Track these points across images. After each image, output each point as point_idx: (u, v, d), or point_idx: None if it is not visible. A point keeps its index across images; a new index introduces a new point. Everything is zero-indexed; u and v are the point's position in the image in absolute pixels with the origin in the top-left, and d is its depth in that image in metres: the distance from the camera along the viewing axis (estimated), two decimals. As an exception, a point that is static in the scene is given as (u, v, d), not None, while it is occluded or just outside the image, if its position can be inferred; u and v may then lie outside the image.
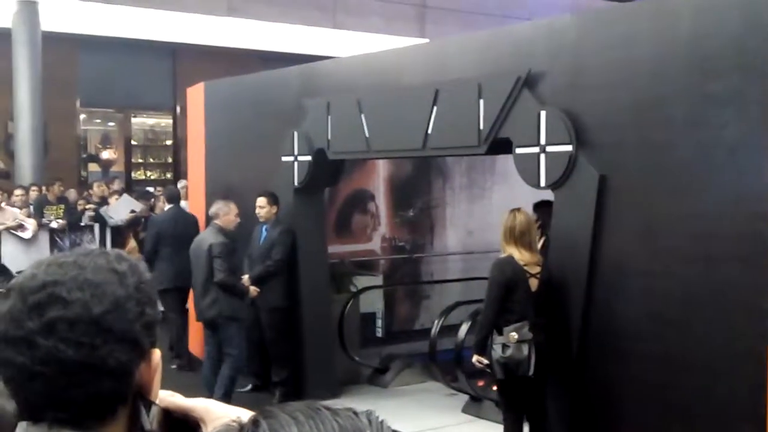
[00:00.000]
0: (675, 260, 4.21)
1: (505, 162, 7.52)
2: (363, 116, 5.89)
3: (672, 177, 4.24)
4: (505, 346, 4.36)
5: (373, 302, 7.77)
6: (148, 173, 15.09)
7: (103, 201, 10.32)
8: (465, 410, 6.10)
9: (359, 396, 6.69)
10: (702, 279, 4.09)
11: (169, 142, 15.00)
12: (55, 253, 7.64)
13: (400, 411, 6.36)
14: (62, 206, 9.66)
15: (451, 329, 6.46)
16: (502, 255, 4.58)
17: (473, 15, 13.55)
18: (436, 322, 6.53)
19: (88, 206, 9.93)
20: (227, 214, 6.23)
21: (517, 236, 4.49)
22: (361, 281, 7.63)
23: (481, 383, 5.96)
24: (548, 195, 5.00)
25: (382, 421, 0.83)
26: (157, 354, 1.01)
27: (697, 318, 4.12)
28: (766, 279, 3.82)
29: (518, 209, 4.66)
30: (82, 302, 0.94)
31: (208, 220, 7.78)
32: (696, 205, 4.13)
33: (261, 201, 6.45)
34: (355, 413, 0.83)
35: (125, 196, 10.03)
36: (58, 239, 9.21)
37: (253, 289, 6.35)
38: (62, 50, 12.36)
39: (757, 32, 3.88)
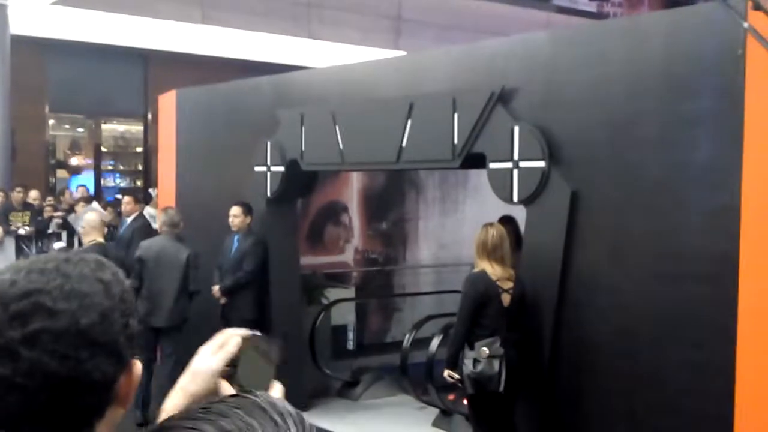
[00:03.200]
0: (645, 277, 4.24)
1: (477, 176, 7.55)
2: (337, 128, 5.87)
3: (643, 195, 4.28)
4: (476, 361, 4.35)
5: (344, 315, 7.73)
6: (118, 180, 14.91)
7: (72, 209, 10.16)
8: (435, 424, 6.08)
9: (329, 409, 6.64)
10: (671, 296, 4.13)
11: (139, 149, 14.83)
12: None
13: (370, 424, 6.33)
14: (28, 213, 9.49)
15: (422, 342, 6.45)
16: (475, 269, 4.57)
17: (448, 29, 13.63)
18: (407, 335, 6.51)
19: (56, 213, 9.77)
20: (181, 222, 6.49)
21: (490, 251, 4.49)
22: (333, 293, 7.59)
23: (451, 397, 5.94)
24: (512, 210, 5.01)
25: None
26: (137, 366, 0.98)
27: (666, 335, 4.15)
28: (734, 297, 3.86)
29: (492, 224, 4.67)
30: (70, 313, 0.89)
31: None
32: (667, 223, 4.17)
33: (235, 210, 6.40)
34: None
35: (94, 204, 9.88)
36: (24, 246, 9.03)
37: (223, 299, 6.31)
38: (31, 55, 12.17)
39: (728, 53, 3.93)
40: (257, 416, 0.77)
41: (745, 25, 3.54)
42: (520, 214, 4.92)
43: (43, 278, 0.91)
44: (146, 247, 6.33)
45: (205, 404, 0.79)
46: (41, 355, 0.87)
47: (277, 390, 1.07)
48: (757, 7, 2.53)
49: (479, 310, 4.43)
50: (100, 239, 6.18)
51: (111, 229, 8.99)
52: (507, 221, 5.60)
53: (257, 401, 0.79)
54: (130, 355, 0.96)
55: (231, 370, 1.07)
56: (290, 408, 0.79)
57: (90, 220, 6.38)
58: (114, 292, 0.94)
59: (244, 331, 1.12)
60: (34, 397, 0.88)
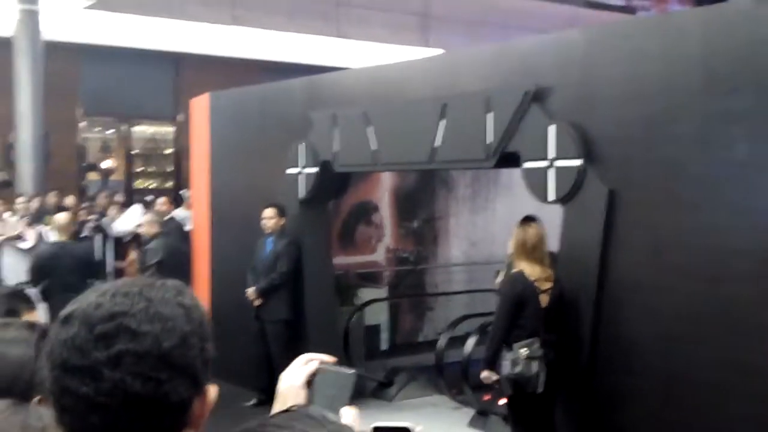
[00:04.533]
0: (683, 276, 4.19)
1: (508, 173, 7.51)
2: (370, 129, 5.88)
3: (681, 193, 4.23)
4: (514, 363, 4.33)
5: (377, 314, 7.75)
6: (149, 182, 15.07)
7: (105, 212, 10.29)
8: (471, 424, 6.07)
9: (364, 410, 6.57)
10: (710, 296, 4.08)
11: (169, 151, 14.98)
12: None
13: (405, 425, 6.33)
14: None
15: (455, 341, 6.45)
16: (513, 270, 4.56)
17: (476, 25, 13.58)
18: (443, 335, 6.51)
19: (89, 217, 9.89)
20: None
21: (529, 250, 4.47)
22: (366, 293, 7.61)
23: (487, 397, 5.93)
24: (547, 209, 4.95)
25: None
26: (212, 390, 1.00)
27: (705, 335, 4.10)
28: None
29: (530, 222, 4.62)
30: (153, 336, 0.92)
31: (212, 228, 7.80)
32: (705, 222, 4.12)
33: (268, 212, 6.44)
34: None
35: (135, 207, 9.95)
36: (59, 250, 9.15)
37: (258, 300, 6.36)
38: (64, 59, 12.35)
39: (766, 47, 3.87)
40: (309, 425, 0.84)
41: None
42: (554, 213, 4.89)
43: (128, 301, 0.94)
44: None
45: (262, 420, 0.82)
46: (124, 375, 0.90)
47: (348, 414, 1.08)
48: None
49: (517, 311, 4.41)
50: (65, 238, 6.93)
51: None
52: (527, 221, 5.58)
53: (309, 413, 0.86)
54: (205, 379, 0.98)
55: (308, 393, 1.09)
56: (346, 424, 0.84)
57: (57, 220, 7.04)
58: (194, 316, 0.97)
59: (324, 357, 1.14)
60: (115, 417, 0.90)
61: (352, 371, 1.11)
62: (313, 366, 1.12)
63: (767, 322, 3.81)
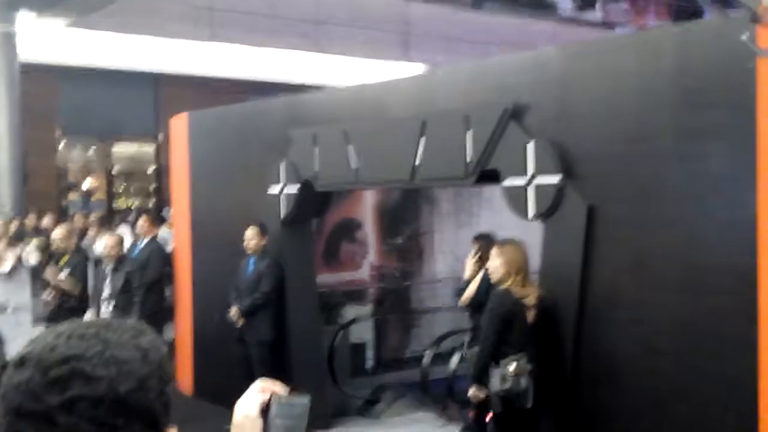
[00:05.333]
0: (664, 291, 4.22)
1: (492, 188, 7.54)
2: (350, 147, 5.89)
3: (660, 208, 4.27)
4: (503, 379, 4.34)
5: (362, 332, 7.72)
6: (130, 201, 14.98)
7: (84, 232, 10.19)
8: (457, 441, 6.05)
9: (351, 428, 6.63)
10: (691, 309, 4.11)
11: (151, 170, 14.92)
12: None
13: (391, 443, 6.31)
14: (42, 238, 9.52)
15: (442, 357, 6.44)
16: (500, 287, 4.57)
17: (456, 41, 13.67)
18: (427, 352, 6.50)
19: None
20: None
21: (518, 268, 4.50)
22: (350, 311, 7.59)
23: (473, 413, 5.91)
24: (529, 226, 4.98)
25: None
26: None
27: (687, 348, 4.13)
28: (754, 309, 3.84)
29: (512, 240, 4.67)
30: (108, 380, 0.91)
31: (193, 248, 7.75)
32: (684, 236, 4.16)
33: (250, 233, 6.42)
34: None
35: (122, 228, 9.84)
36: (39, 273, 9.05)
37: (240, 320, 6.33)
38: (42, 80, 12.29)
39: (741, 65, 3.93)
40: None
41: (744, 37, 3.53)
42: (535, 228, 4.91)
43: (83, 344, 0.93)
44: None
45: None
46: (79, 421, 0.89)
47: None
48: (755, 20, 2.54)
49: (505, 327, 4.43)
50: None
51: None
52: (484, 238, 5.77)
53: None
54: (166, 422, 0.96)
55: (264, 424, 1.09)
56: None
57: (55, 237, 7.20)
58: (151, 358, 0.95)
59: (277, 386, 1.13)
60: None
61: (306, 399, 1.10)
62: (265, 396, 1.11)
63: (749, 334, 3.84)
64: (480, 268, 5.48)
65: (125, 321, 1.00)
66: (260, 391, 1.12)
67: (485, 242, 5.63)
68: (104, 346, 0.93)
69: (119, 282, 6.76)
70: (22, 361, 0.93)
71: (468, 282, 5.59)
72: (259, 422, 1.09)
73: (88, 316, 6.48)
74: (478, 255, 5.61)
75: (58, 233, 7.93)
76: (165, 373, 0.97)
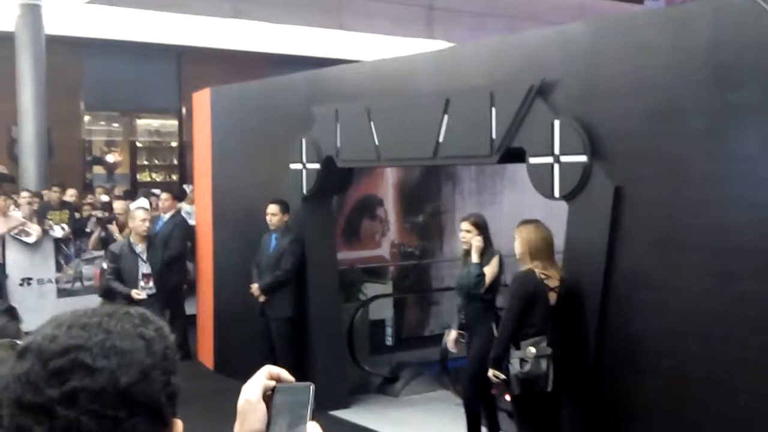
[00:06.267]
0: (691, 274, 4.13)
1: (514, 167, 7.44)
2: (372, 123, 5.82)
3: (689, 189, 4.16)
4: (523, 361, 4.29)
5: (382, 309, 7.71)
6: (154, 175, 15.06)
7: (107, 205, 10.26)
8: (476, 420, 6.02)
9: (369, 405, 6.64)
10: (718, 293, 4.02)
11: (174, 144, 14.97)
12: (61, 261, 7.20)
13: (410, 421, 6.31)
14: (66, 212, 9.59)
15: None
16: (522, 268, 4.50)
17: (481, 16, 13.47)
18: (447, 330, 6.45)
19: (93, 212, 9.86)
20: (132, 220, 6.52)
21: (540, 249, 4.43)
22: (370, 288, 7.57)
23: (494, 392, 5.88)
24: (553, 206, 4.89)
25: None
26: (178, 425, 0.95)
27: (713, 332, 4.04)
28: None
29: (536, 221, 4.59)
30: (109, 371, 0.87)
31: (215, 223, 7.76)
32: (713, 218, 4.05)
33: (273, 209, 6.40)
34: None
35: (142, 200, 9.87)
36: (63, 246, 9.15)
37: (262, 297, 6.34)
38: (66, 53, 12.32)
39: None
40: None
41: (762, 2, 3.39)
42: (560, 207, 4.83)
43: (85, 334, 0.90)
44: None
45: None
46: (79, 414, 0.86)
47: (312, 430, 1.04)
48: None
49: (527, 310, 4.37)
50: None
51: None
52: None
53: None
54: (171, 414, 0.93)
55: (268, 411, 1.05)
56: None
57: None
58: (156, 349, 0.92)
59: (283, 374, 1.09)
60: None
61: (309, 384, 1.07)
62: (269, 383, 1.07)
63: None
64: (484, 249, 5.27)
65: (130, 309, 0.96)
66: (266, 377, 1.08)
67: (475, 223, 5.36)
68: (106, 335, 0.90)
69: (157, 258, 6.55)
70: (23, 352, 0.90)
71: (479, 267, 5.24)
72: (260, 407, 1.05)
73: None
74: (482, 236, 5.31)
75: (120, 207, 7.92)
76: (170, 363, 0.93)
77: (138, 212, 6.62)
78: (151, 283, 6.36)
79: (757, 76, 3.89)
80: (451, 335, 5.62)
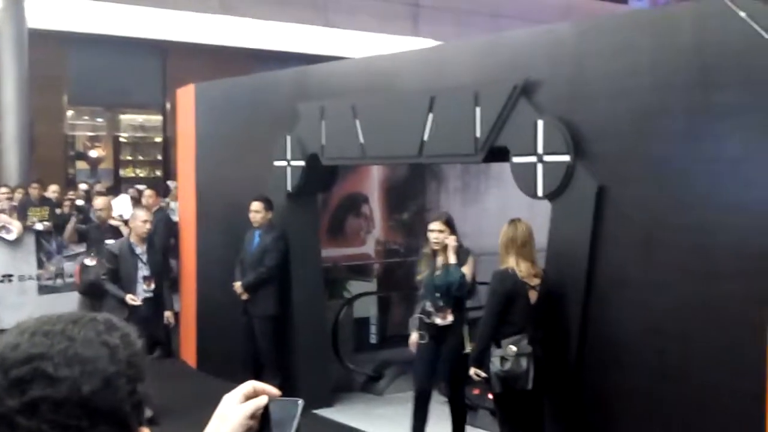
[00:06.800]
0: (674, 273, 4.16)
1: (499, 165, 7.45)
2: (357, 121, 5.81)
3: (672, 189, 4.19)
4: (503, 360, 4.30)
5: (366, 307, 7.70)
6: (137, 171, 14.95)
7: (89, 201, 10.16)
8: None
9: (353, 404, 6.63)
10: (700, 292, 4.05)
11: (158, 140, 14.86)
12: (42, 257, 7.00)
13: (395, 419, 6.31)
14: (46, 208, 9.49)
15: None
16: (502, 266, 4.51)
17: (466, 14, 13.48)
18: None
19: (73, 199, 9.76)
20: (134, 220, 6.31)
21: (519, 247, 4.43)
22: (355, 286, 7.56)
23: (476, 392, 5.90)
24: (536, 205, 4.91)
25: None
26: None
27: (695, 331, 4.08)
28: (764, 293, 3.77)
29: (518, 220, 4.60)
30: (71, 380, 0.86)
31: (198, 220, 7.72)
32: (696, 218, 4.08)
33: (256, 206, 6.37)
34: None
35: (123, 196, 9.81)
36: (44, 241, 9.06)
37: (245, 295, 6.31)
38: (50, 47, 12.19)
39: (759, 42, 3.82)
40: None
41: (742, 14, 3.42)
42: (543, 206, 4.84)
43: (47, 342, 0.88)
44: None
45: None
46: (40, 424, 0.84)
47: None
48: None
49: (507, 308, 4.38)
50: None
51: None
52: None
53: None
54: (137, 423, 0.92)
55: (254, 426, 1.04)
56: None
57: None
58: (120, 356, 0.90)
59: (271, 390, 1.08)
60: None
61: (299, 400, 1.07)
62: (261, 400, 1.06)
63: (756, 318, 3.78)
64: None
65: (97, 315, 0.95)
66: (252, 391, 1.07)
67: (447, 222, 5.22)
68: (69, 343, 0.88)
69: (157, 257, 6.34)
70: None
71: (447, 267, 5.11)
72: (238, 419, 1.04)
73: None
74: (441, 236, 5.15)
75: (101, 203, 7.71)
76: (136, 371, 0.92)
77: (139, 213, 6.40)
78: (152, 286, 6.14)
79: (740, 78, 3.92)
80: (413, 338, 5.40)
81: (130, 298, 6.00)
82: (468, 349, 5.01)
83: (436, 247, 5.18)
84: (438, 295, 5.13)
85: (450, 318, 5.17)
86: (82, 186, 11.11)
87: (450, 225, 5.22)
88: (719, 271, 3.97)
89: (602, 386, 4.45)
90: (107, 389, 0.87)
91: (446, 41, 9.91)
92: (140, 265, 6.16)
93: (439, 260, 5.17)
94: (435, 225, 5.22)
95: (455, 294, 5.11)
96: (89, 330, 0.91)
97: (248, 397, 1.07)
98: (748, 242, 3.86)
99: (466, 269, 5.12)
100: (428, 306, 5.20)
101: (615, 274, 4.40)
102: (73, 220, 8.27)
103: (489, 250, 6.56)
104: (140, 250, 6.19)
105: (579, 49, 4.63)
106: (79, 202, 9.54)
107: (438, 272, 5.16)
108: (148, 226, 6.25)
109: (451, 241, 5.12)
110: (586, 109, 4.54)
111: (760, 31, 2.35)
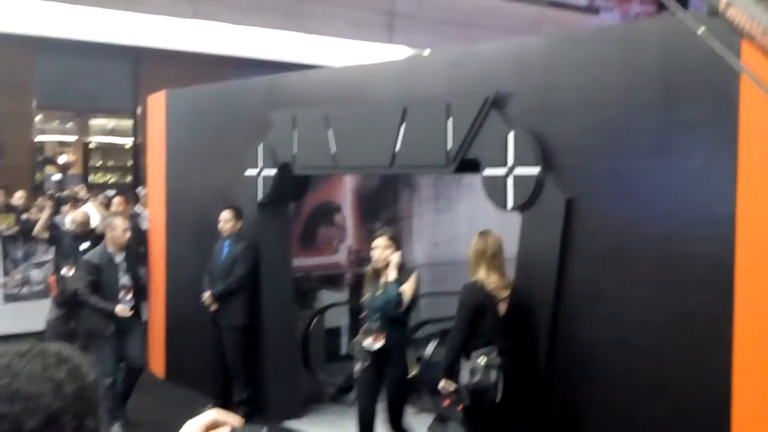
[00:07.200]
0: (641, 285, 4.20)
1: (471, 174, 7.49)
2: (330, 131, 5.79)
3: (639, 202, 4.24)
4: (473, 372, 4.30)
5: (338, 317, 7.66)
6: (107, 176, 14.77)
7: (58, 209, 10.01)
8: (431, 429, 6.02)
9: (323, 415, 6.59)
10: (668, 304, 4.09)
11: (129, 146, 14.70)
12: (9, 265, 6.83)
13: (364, 430, 6.26)
14: (12, 215, 9.33)
15: (416, 344, 6.39)
16: (471, 278, 4.52)
17: (441, 24, 13.54)
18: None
19: (41, 214, 9.60)
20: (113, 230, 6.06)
21: (489, 259, 4.44)
22: (326, 296, 7.52)
23: (446, 402, 5.89)
24: (507, 217, 4.93)
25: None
26: None
27: (663, 343, 4.11)
28: (730, 305, 3.82)
29: (488, 232, 4.61)
30: (12, 417, 0.84)
31: (168, 229, 7.63)
32: (663, 231, 4.13)
33: (225, 215, 6.31)
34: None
35: (89, 204, 9.67)
36: (11, 249, 8.90)
37: (214, 305, 6.24)
38: (18, 51, 12.02)
39: (721, 58, 3.87)
40: None
41: (700, 31, 3.46)
42: (513, 217, 4.86)
43: None
44: None
45: None
46: None
47: None
48: (713, 13, 2.45)
49: (476, 320, 4.38)
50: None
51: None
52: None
53: None
54: None
55: None
56: None
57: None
58: (66, 391, 0.88)
59: (234, 420, 1.06)
60: None
61: (264, 429, 1.05)
62: (225, 430, 1.04)
63: (724, 329, 3.83)
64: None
65: (49, 347, 0.92)
66: (215, 421, 1.05)
67: (393, 238, 5.09)
68: (11, 379, 0.86)
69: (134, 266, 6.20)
70: None
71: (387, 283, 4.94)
72: None
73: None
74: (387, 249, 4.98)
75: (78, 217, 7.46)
76: (85, 404, 0.90)
77: (117, 221, 6.14)
78: (130, 296, 5.99)
79: (704, 93, 3.98)
80: (356, 367, 5.17)
81: (120, 309, 5.84)
82: (413, 373, 4.88)
83: (379, 266, 5.01)
84: (377, 316, 4.96)
85: (381, 342, 4.94)
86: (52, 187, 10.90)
87: (395, 241, 5.05)
88: (686, 282, 4.02)
89: (571, 398, 4.47)
90: (50, 426, 0.85)
91: (421, 49, 9.95)
92: (120, 274, 6.03)
93: (382, 279, 4.98)
94: (380, 241, 5.03)
95: (390, 314, 4.91)
96: (36, 364, 0.88)
97: (209, 428, 1.05)
98: (713, 254, 3.91)
99: (407, 286, 4.92)
100: (363, 329, 5.02)
101: (584, 286, 4.43)
102: (47, 212, 8.02)
103: (461, 258, 6.58)
104: (119, 258, 6.04)
105: (548, 62, 4.67)
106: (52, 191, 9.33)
107: (379, 292, 4.97)
108: (128, 234, 6.09)
109: (396, 257, 4.93)
110: (555, 122, 4.57)
111: (715, 47, 2.37)
